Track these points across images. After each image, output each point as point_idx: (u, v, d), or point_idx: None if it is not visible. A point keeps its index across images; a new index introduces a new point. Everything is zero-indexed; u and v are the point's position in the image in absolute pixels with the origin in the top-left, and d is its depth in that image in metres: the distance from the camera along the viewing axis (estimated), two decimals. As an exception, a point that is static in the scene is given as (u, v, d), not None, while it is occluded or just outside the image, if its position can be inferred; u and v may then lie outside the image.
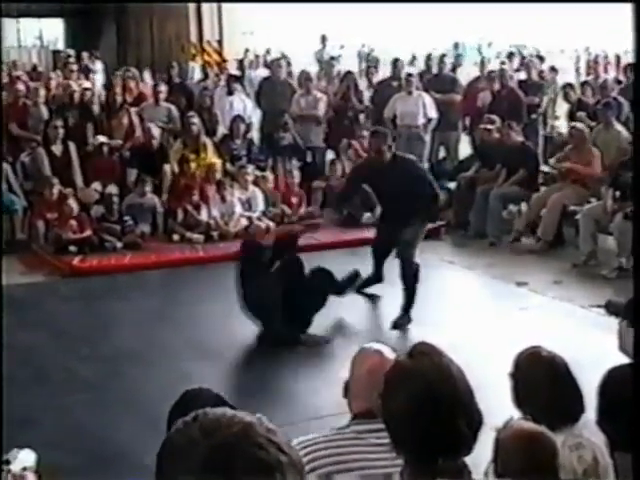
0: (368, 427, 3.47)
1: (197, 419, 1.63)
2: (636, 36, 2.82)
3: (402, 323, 9.38)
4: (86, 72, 17.86)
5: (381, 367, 3.20)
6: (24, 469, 2.71)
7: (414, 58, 22.80)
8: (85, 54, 20.78)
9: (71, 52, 21.06)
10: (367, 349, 3.85)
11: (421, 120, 15.22)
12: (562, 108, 16.28)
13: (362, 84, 16.72)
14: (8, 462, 2.75)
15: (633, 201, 7.11)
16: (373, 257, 10.36)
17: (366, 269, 11.02)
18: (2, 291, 8.51)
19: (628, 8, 8.76)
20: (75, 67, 18.04)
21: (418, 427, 2.61)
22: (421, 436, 2.62)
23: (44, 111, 14.48)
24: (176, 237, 13.13)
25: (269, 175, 14.33)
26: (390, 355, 3.59)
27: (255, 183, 13.93)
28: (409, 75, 15.93)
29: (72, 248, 12.44)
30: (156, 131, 14.12)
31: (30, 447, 3.21)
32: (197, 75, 18.48)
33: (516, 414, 4.00)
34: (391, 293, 9.96)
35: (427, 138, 15.54)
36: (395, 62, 17.03)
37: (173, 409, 3.38)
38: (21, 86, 15.25)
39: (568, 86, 16.28)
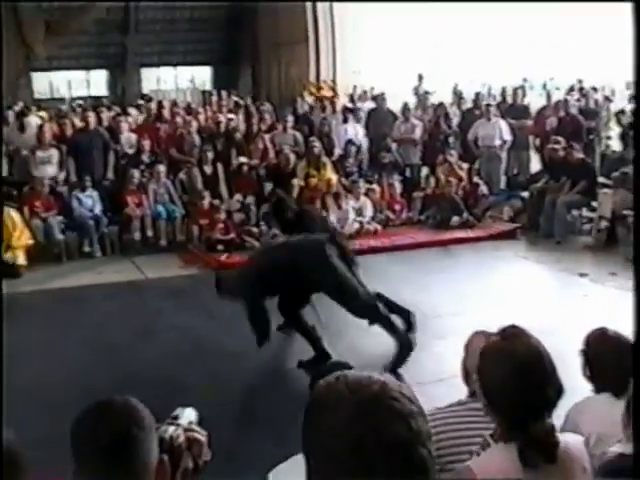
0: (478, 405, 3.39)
1: (340, 379, 1.63)
2: (636, 36, 2.72)
3: None
4: (228, 107, 18.00)
5: None
6: (190, 423, 2.72)
7: (490, 90, 22.62)
8: (226, 93, 21.04)
9: (215, 92, 21.39)
10: (478, 333, 3.80)
11: (498, 141, 15.14)
12: (615, 130, 16.07)
13: (451, 112, 16.66)
14: (177, 417, 2.77)
15: (633, 201, 6.84)
16: None
17: (455, 264, 10.95)
18: (2, 296, 8.49)
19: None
20: (223, 103, 18.29)
21: (513, 395, 2.60)
22: (515, 402, 2.60)
23: (196, 139, 14.65)
24: (303, 238, 13.19)
25: (377, 187, 14.32)
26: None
27: (365, 194, 13.93)
28: (488, 105, 15.90)
29: (220, 247, 12.61)
30: (288, 153, 14.22)
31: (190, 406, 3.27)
32: (315, 108, 18.52)
33: (587, 386, 3.93)
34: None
35: (503, 156, 15.43)
36: (477, 95, 17.09)
37: (314, 377, 3.34)
38: (179, 120, 15.50)
39: (620, 112, 16.04)
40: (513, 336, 2.74)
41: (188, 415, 2.72)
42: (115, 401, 2.19)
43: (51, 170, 13.43)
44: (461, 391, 3.82)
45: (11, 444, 2.61)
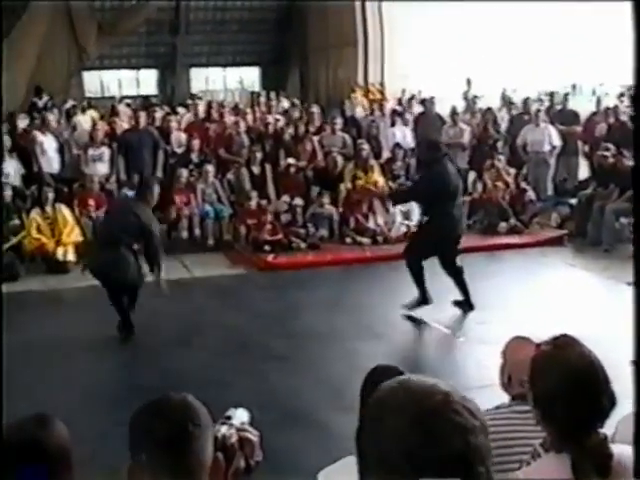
0: (526, 408, 3.39)
1: (404, 384, 1.63)
2: (636, 36, 2.68)
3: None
4: (277, 108, 18.07)
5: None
6: (242, 423, 2.74)
7: (540, 96, 22.43)
8: (274, 94, 21.12)
9: (264, 93, 21.49)
10: (518, 339, 3.79)
11: (547, 147, 15.04)
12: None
13: (500, 117, 16.58)
14: (229, 417, 2.78)
15: (633, 201, 6.72)
16: None
17: (501, 270, 10.88)
18: (2, 295, 8.52)
19: None
20: (273, 104, 18.36)
21: (567, 405, 2.57)
22: (569, 412, 2.58)
23: (245, 139, 14.69)
24: (348, 240, 13.20)
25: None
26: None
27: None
28: (538, 110, 15.79)
29: (266, 247, 12.64)
30: (335, 155, 14.23)
31: (235, 405, 3.27)
32: (363, 110, 18.51)
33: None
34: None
35: (552, 162, 15.32)
36: (526, 100, 16.98)
37: (366, 380, 3.33)
38: (228, 120, 15.57)
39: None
40: (566, 345, 2.72)
41: (240, 415, 2.73)
42: (173, 398, 2.22)
43: (102, 168, 13.57)
44: (504, 398, 3.81)
45: (62, 439, 2.65)
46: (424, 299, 9.44)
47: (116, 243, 8.87)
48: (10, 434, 2.64)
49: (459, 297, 9.52)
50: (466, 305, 9.49)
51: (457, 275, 9.48)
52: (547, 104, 18.29)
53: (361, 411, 3.07)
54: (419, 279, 9.41)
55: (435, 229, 9.29)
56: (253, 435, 2.69)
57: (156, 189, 9.32)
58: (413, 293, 9.62)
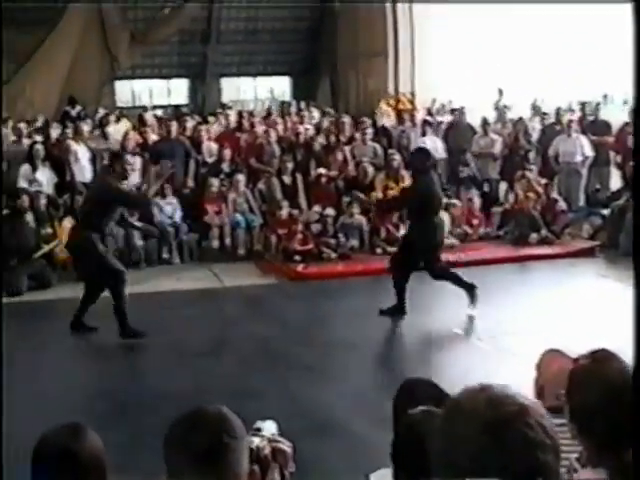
0: (560, 421, 3.35)
1: (482, 391, 1.62)
2: (636, 36, 2.64)
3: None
4: (308, 118, 18.08)
5: (568, 368, 3.11)
6: (273, 435, 2.73)
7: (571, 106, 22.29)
8: (305, 103, 21.14)
9: (294, 102, 21.52)
10: (553, 352, 3.75)
11: (579, 158, 14.96)
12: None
13: (530, 127, 16.51)
14: (259, 429, 2.77)
15: (634, 201, 6.64)
16: None
17: (532, 281, 10.81)
18: (2, 305, 8.54)
19: None
20: (306, 114, 18.38)
21: (605, 420, 2.54)
22: (607, 427, 2.55)
23: (276, 149, 14.72)
24: (379, 251, 13.16)
25: (457, 202, 14.25)
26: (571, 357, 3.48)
27: (445, 208, 13.85)
28: (570, 121, 15.68)
29: (297, 257, 12.65)
30: (366, 165, 14.21)
31: (264, 416, 3.25)
32: (389, 120, 18.48)
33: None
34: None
35: (584, 172, 15.22)
36: (558, 110, 16.87)
37: (399, 393, 3.30)
38: (258, 129, 15.61)
39: None
40: (605, 359, 2.69)
41: (269, 427, 2.72)
42: (208, 409, 2.21)
43: (133, 177, 13.62)
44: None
45: (96, 449, 2.65)
46: (401, 309, 9.74)
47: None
48: (44, 444, 2.65)
49: (493, 309, 9.53)
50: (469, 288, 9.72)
51: (446, 273, 9.71)
52: (579, 114, 18.17)
53: (395, 427, 3.05)
54: (401, 288, 9.70)
55: (419, 241, 9.59)
56: (286, 446, 2.68)
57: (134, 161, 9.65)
58: (444, 304, 9.61)
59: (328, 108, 20.54)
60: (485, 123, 15.78)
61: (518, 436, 1.52)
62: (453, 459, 1.54)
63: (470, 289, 9.68)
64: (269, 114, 18.72)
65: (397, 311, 9.74)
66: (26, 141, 14.28)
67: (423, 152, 10.24)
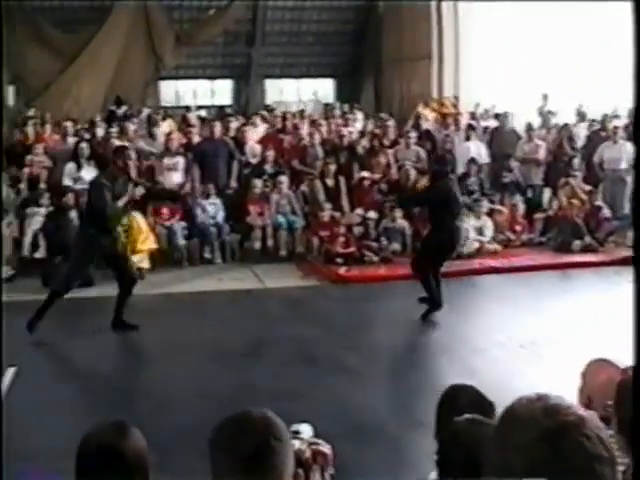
0: (608, 432, 3.29)
1: (540, 399, 1.61)
2: (636, 36, 2.58)
3: None
4: (351, 121, 18.06)
5: (616, 378, 3.08)
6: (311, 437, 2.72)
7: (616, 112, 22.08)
8: (348, 106, 21.12)
9: (338, 105, 21.50)
10: (600, 361, 3.70)
11: (624, 165, 14.77)
12: None
13: (575, 133, 16.37)
14: (297, 432, 2.76)
15: (633, 201, 6.55)
16: None
17: (574, 289, 10.69)
18: (2, 304, 8.55)
19: None
20: (350, 116, 18.36)
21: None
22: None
23: (319, 151, 14.73)
24: (421, 255, 13.11)
25: (502, 208, 14.17)
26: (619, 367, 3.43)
27: (489, 214, 13.79)
28: (615, 127, 15.51)
29: (339, 260, 12.64)
30: (409, 169, 14.17)
31: (305, 418, 3.23)
32: (430, 124, 18.40)
33: None
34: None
35: (629, 180, 15.02)
36: (604, 117, 16.70)
37: (443, 399, 3.28)
38: (302, 131, 15.62)
39: None
40: (655, 370, 2.66)
41: (305, 430, 2.72)
42: (254, 413, 2.21)
43: (176, 177, 13.71)
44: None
45: (139, 447, 2.66)
46: (437, 304, 9.87)
47: None
48: (89, 441, 2.66)
49: (534, 316, 9.48)
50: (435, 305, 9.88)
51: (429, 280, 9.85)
52: (625, 120, 17.97)
53: (438, 433, 3.04)
54: (428, 286, 9.85)
55: (437, 242, 9.85)
56: (327, 448, 2.68)
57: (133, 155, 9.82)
58: (483, 309, 9.54)
59: (373, 111, 20.49)
60: (530, 128, 15.69)
61: (575, 446, 1.50)
62: (508, 466, 1.53)
63: (435, 306, 9.85)
64: (314, 117, 18.71)
65: (432, 302, 9.87)
66: (71, 140, 14.43)
67: (441, 159, 11.26)
